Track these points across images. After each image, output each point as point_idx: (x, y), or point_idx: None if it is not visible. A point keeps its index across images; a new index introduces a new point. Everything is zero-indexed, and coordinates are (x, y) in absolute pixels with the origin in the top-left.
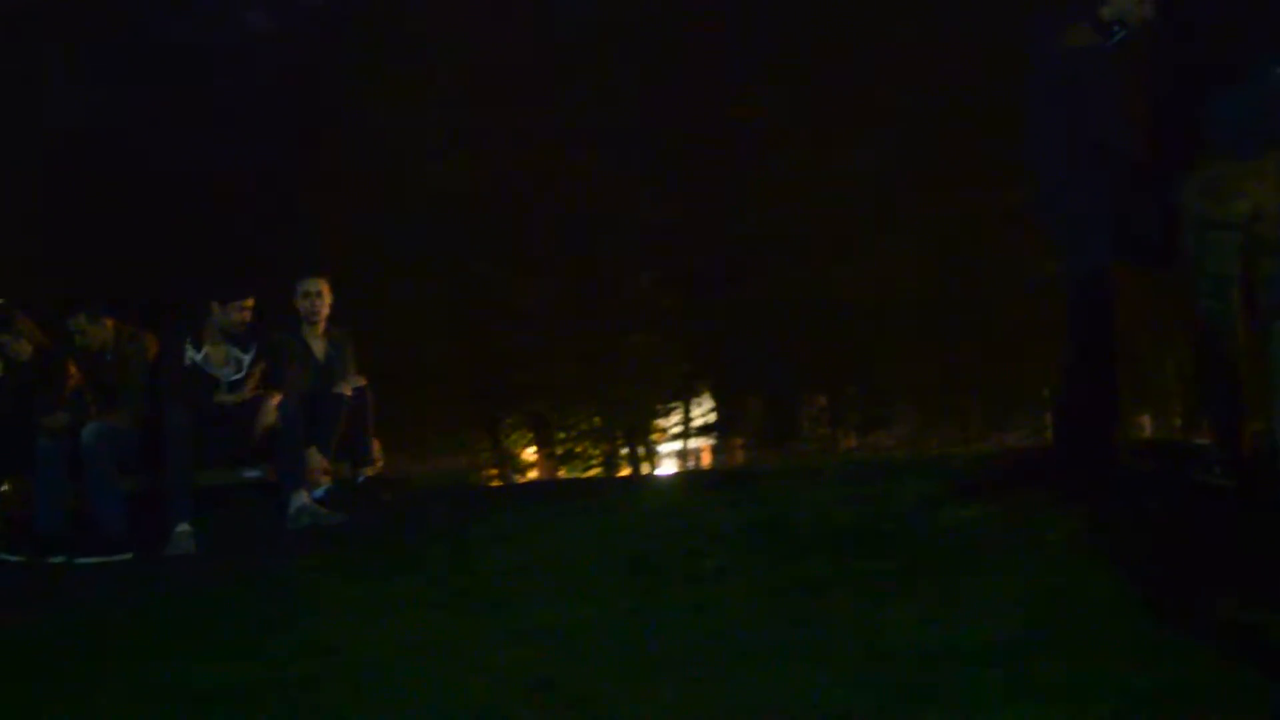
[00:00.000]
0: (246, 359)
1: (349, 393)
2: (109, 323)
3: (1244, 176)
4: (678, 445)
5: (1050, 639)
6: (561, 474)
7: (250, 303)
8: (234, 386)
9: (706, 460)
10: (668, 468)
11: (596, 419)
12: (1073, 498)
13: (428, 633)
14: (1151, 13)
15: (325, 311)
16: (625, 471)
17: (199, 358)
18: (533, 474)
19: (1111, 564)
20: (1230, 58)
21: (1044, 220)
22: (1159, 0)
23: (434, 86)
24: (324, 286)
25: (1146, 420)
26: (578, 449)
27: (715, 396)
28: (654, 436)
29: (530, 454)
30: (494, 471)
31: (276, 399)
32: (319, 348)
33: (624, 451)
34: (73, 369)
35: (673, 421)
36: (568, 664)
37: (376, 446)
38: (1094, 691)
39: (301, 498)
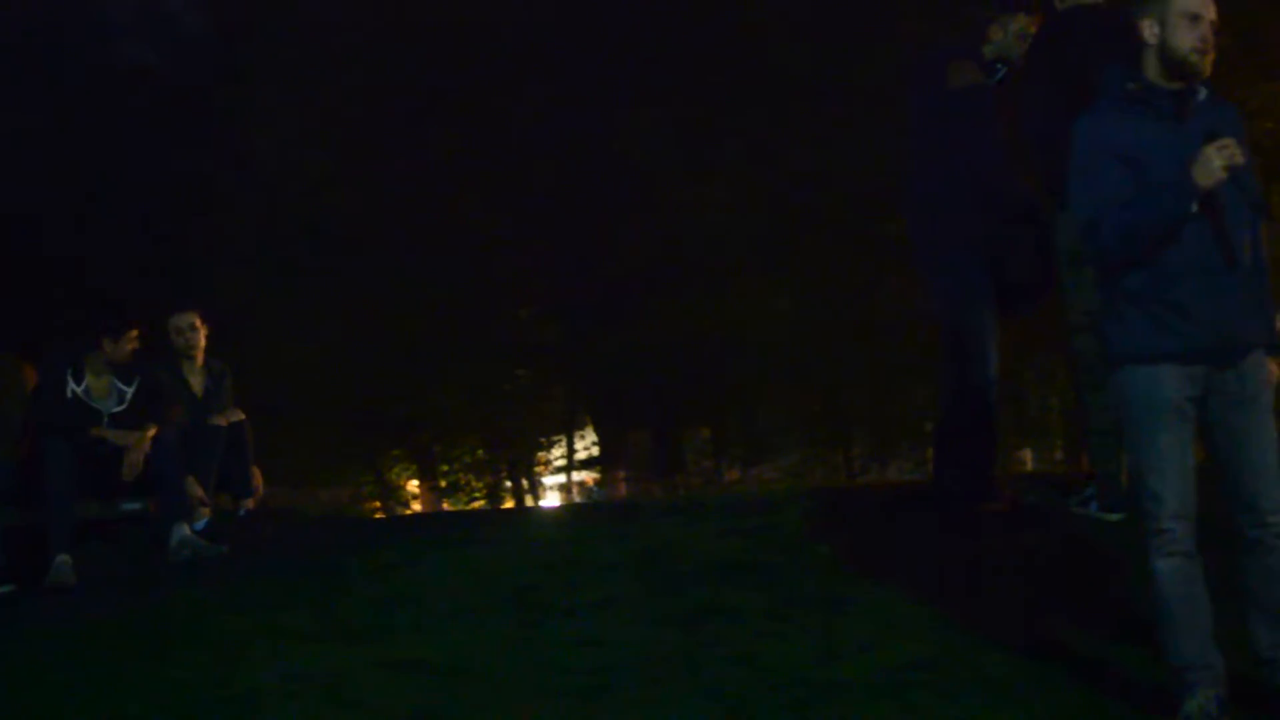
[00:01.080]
0: (129, 391)
1: (225, 425)
2: None
3: None
4: (561, 478)
5: (933, 672)
6: (445, 506)
7: (135, 333)
8: (116, 418)
9: (590, 492)
10: (551, 500)
11: (480, 451)
12: (953, 531)
13: (308, 665)
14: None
15: (201, 345)
16: (509, 504)
17: (79, 389)
18: (416, 506)
19: (991, 597)
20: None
21: (922, 254)
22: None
23: (312, 124)
24: (198, 320)
25: (1028, 454)
26: (461, 481)
27: (598, 429)
28: (538, 469)
29: (414, 486)
30: (377, 504)
31: (154, 432)
32: (196, 381)
33: (508, 484)
34: None
35: (556, 454)
36: (449, 696)
37: (257, 477)
38: None
39: (182, 530)
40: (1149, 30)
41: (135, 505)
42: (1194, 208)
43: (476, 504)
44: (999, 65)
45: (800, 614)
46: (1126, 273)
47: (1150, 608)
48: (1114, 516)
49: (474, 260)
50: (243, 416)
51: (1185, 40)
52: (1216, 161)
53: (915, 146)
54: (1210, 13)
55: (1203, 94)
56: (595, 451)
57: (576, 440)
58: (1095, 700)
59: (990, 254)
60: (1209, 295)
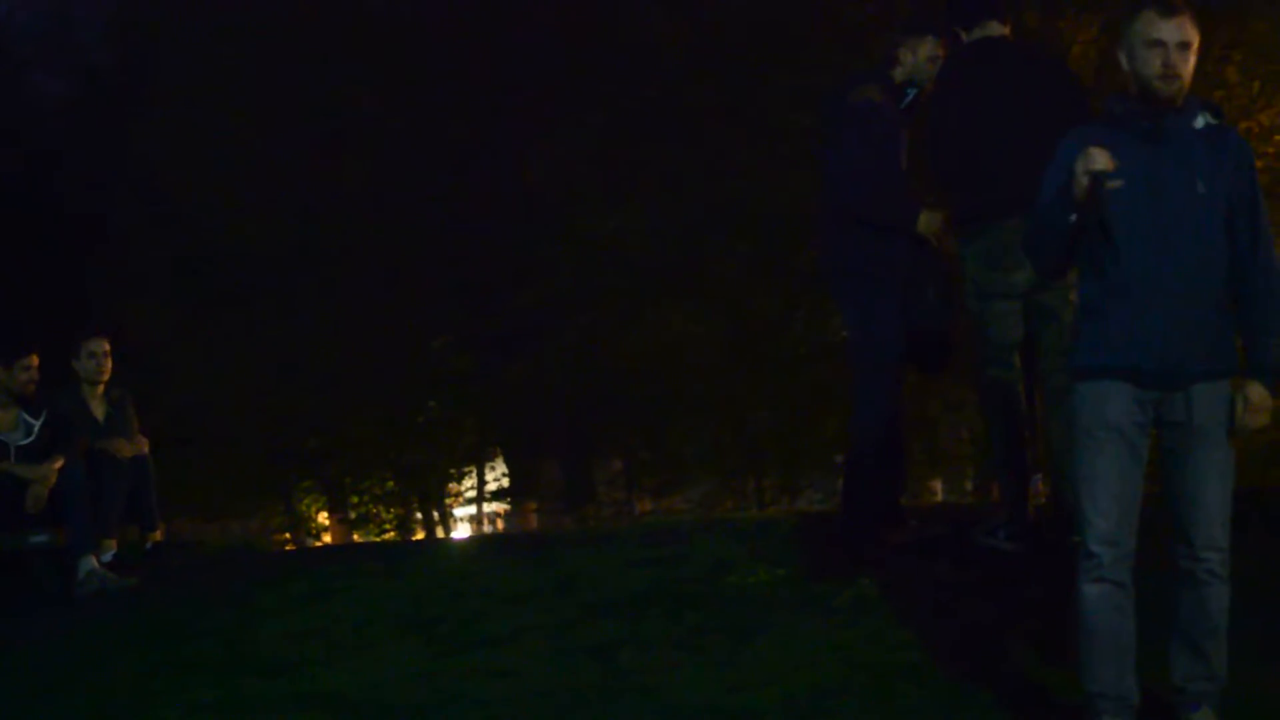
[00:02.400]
0: (37, 424)
1: (129, 455)
2: None
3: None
4: (472, 509)
5: (843, 700)
6: (356, 537)
7: (35, 360)
8: (22, 451)
9: (501, 524)
10: (462, 531)
11: (391, 483)
12: (861, 561)
13: (217, 698)
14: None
15: (108, 372)
16: (420, 535)
17: None
18: (327, 538)
19: (899, 626)
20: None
21: (833, 283)
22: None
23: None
24: (108, 347)
25: (938, 484)
26: (372, 512)
27: (509, 461)
28: (448, 501)
29: (324, 518)
30: (287, 535)
31: (60, 464)
32: (98, 408)
33: (418, 515)
34: None
35: (467, 486)
36: None
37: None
38: None
39: (90, 563)
40: (1123, 59)
41: (43, 537)
42: (1072, 219)
43: (387, 535)
44: (909, 89)
45: (711, 643)
46: (1088, 287)
47: (1068, 634)
48: (1021, 548)
49: (384, 291)
50: (146, 448)
51: (1149, 67)
52: (1079, 168)
53: (827, 170)
54: (1178, 36)
55: (1200, 121)
56: (506, 483)
57: (487, 471)
58: None
59: (903, 279)
60: (1158, 315)
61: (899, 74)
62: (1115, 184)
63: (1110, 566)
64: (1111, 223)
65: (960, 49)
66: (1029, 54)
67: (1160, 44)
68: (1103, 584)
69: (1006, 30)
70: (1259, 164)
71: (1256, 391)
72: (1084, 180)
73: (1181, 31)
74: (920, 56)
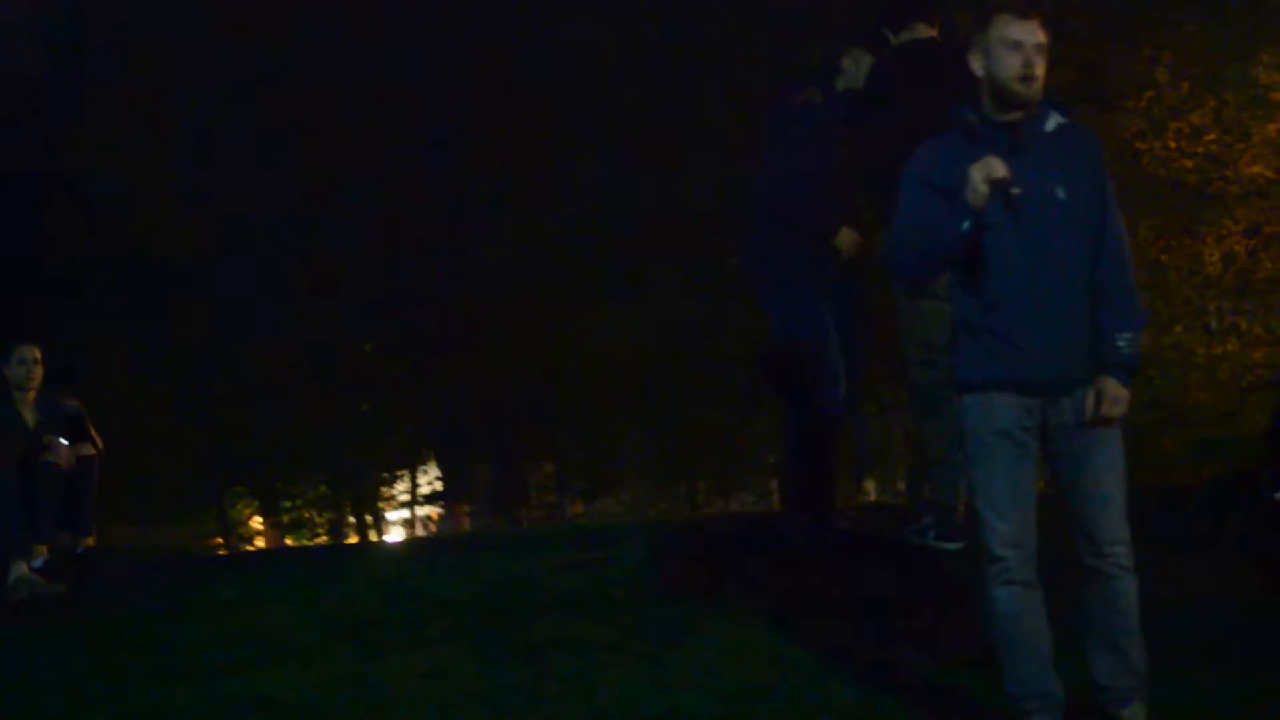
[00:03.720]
0: None
1: (66, 463)
2: None
3: None
4: (405, 513)
5: (774, 701)
6: (288, 542)
7: None
8: None
9: (434, 527)
10: (395, 535)
11: (323, 487)
12: (794, 561)
13: (149, 705)
14: None
15: (38, 379)
16: (352, 539)
17: None
18: (259, 542)
19: (833, 626)
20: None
21: (758, 286)
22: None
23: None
24: (38, 354)
25: (871, 484)
26: (304, 517)
27: (441, 464)
28: (381, 504)
29: (257, 522)
30: (220, 540)
31: None
32: (28, 415)
33: (351, 519)
34: None
35: (400, 489)
36: None
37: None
38: None
39: (20, 569)
40: (978, 63)
41: None
42: (965, 226)
43: (319, 540)
44: (849, 97)
45: (641, 645)
46: (963, 302)
47: (990, 635)
48: (951, 546)
49: (315, 295)
50: (93, 451)
51: (1007, 68)
52: (977, 176)
53: (761, 170)
54: (1034, 38)
55: (1052, 123)
56: (439, 486)
57: (420, 475)
58: None
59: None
60: (1036, 325)
61: (840, 82)
62: (1017, 190)
63: (1018, 568)
64: (981, 238)
65: (888, 51)
66: (957, 55)
67: (1018, 45)
68: (1012, 586)
69: (934, 32)
70: (1188, 164)
71: (1111, 386)
72: (983, 189)
73: (1038, 33)
74: (863, 67)
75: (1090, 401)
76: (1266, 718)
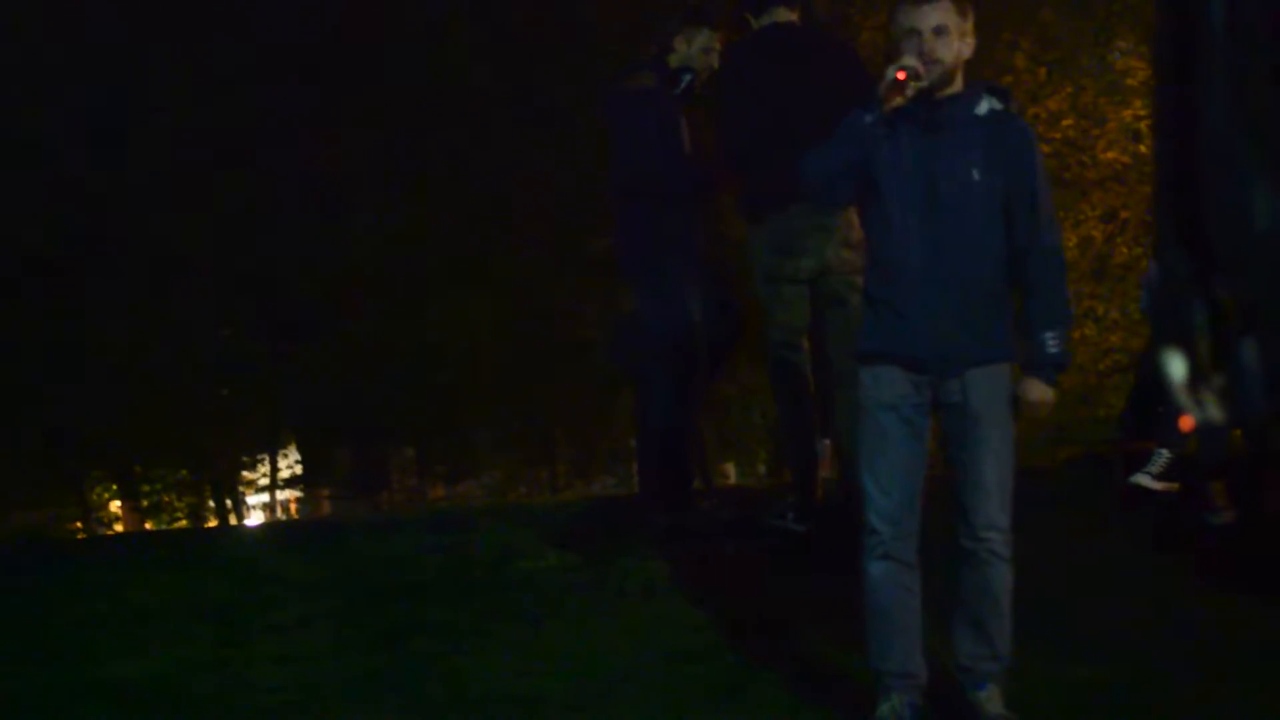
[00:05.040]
0: None
1: None
2: None
3: (810, 233)
4: (265, 497)
5: (635, 684)
6: (148, 526)
7: None
8: None
9: (294, 511)
10: (255, 519)
11: (183, 471)
12: (653, 545)
13: (7, 688)
14: (717, 63)
15: None
16: (212, 523)
17: None
18: (119, 527)
19: (690, 610)
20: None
21: (625, 264)
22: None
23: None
24: None
25: (731, 467)
26: (164, 501)
27: (302, 448)
28: (241, 489)
29: (116, 507)
30: (78, 525)
31: None
32: None
33: (211, 503)
34: None
35: (260, 473)
36: (145, 717)
37: None
38: None
39: None
40: (892, 50)
41: None
42: (868, 119)
43: (179, 524)
44: (683, 75)
45: (501, 629)
46: (869, 275)
47: (857, 615)
48: (810, 529)
49: (173, 277)
50: None
51: (906, 55)
52: (890, 72)
53: (612, 156)
54: (930, 21)
55: (984, 108)
56: (299, 470)
57: (280, 459)
58: (797, 706)
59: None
60: (931, 302)
61: (673, 60)
62: (918, 83)
63: (893, 544)
64: (889, 211)
65: (748, 35)
66: (816, 40)
67: (915, 32)
68: (887, 561)
69: (794, 17)
70: (1045, 149)
71: (1036, 387)
72: (898, 76)
73: (935, 16)
74: (694, 47)
75: (1021, 401)
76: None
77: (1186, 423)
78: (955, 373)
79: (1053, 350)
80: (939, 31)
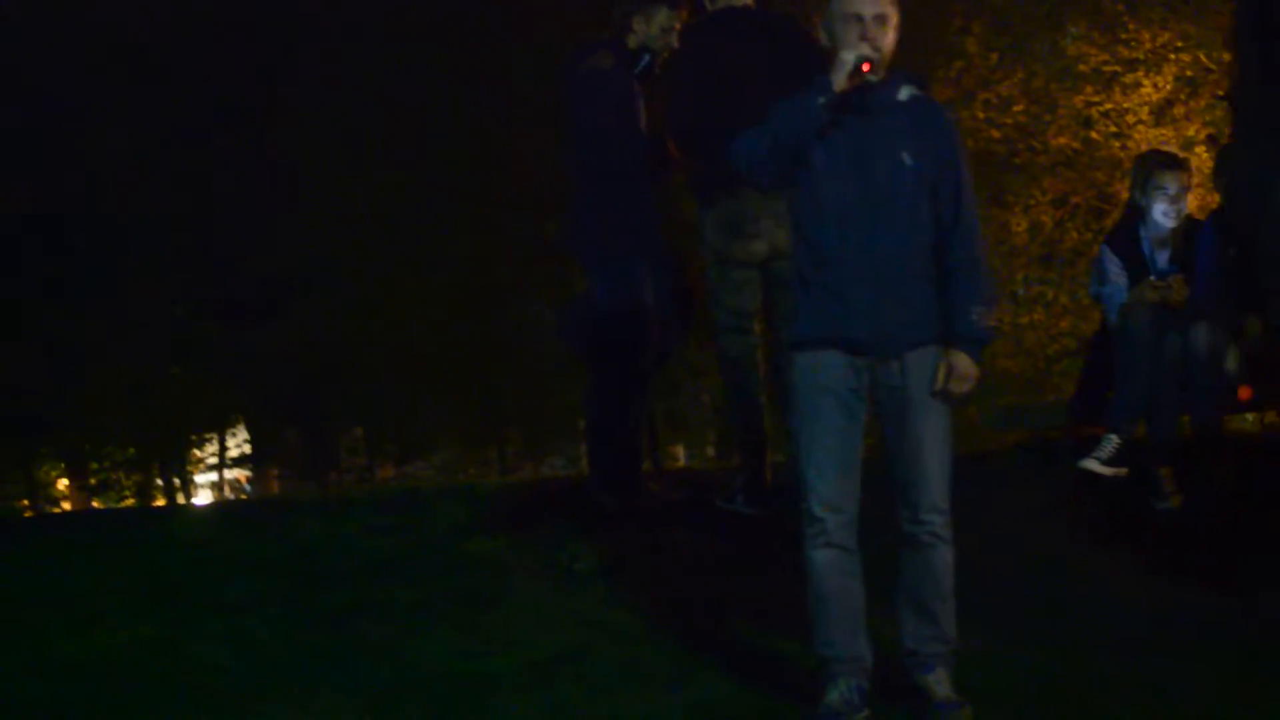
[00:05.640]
0: None
1: None
2: None
3: (760, 216)
4: (214, 475)
5: (581, 665)
6: (96, 504)
7: None
8: None
9: (243, 490)
10: (204, 498)
11: (132, 449)
12: (602, 527)
13: None
14: (677, 43)
15: None
16: (160, 502)
17: None
18: (66, 505)
19: (639, 591)
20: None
21: (580, 249)
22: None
23: None
24: None
25: (680, 450)
26: (112, 479)
27: (251, 427)
28: (190, 467)
29: (63, 485)
30: (25, 502)
31: None
32: None
33: (159, 482)
34: None
35: (209, 452)
36: (91, 696)
37: None
38: (623, 714)
39: None
40: (824, 35)
41: None
42: (821, 100)
43: (127, 502)
44: (643, 55)
45: (448, 609)
46: (802, 259)
47: (803, 598)
48: (758, 511)
49: (124, 255)
50: None
51: (847, 41)
52: (849, 57)
53: (570, 138)
54: (873, 9)
55: (904, 94)
56: (247, 449)
57: (229, 438)
58: (744, 689)
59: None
60: (870, 285)
61: (632, 41)
62: (869, 69)
63: (835, 531)
64: (824, 195)
65: (703, 17)
66: (770, 23)
67: (858, 18)
68: (829, 549)
69: (751, 1)
70: (996, 134)
71: (962, 361)
72: (850, 59)
73: (878, 5)
74: (653, 26)
75: (940, 375)
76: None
77: (1245, 391)
78: (894, 355)
79: (979, 325)
80: (880, 20)
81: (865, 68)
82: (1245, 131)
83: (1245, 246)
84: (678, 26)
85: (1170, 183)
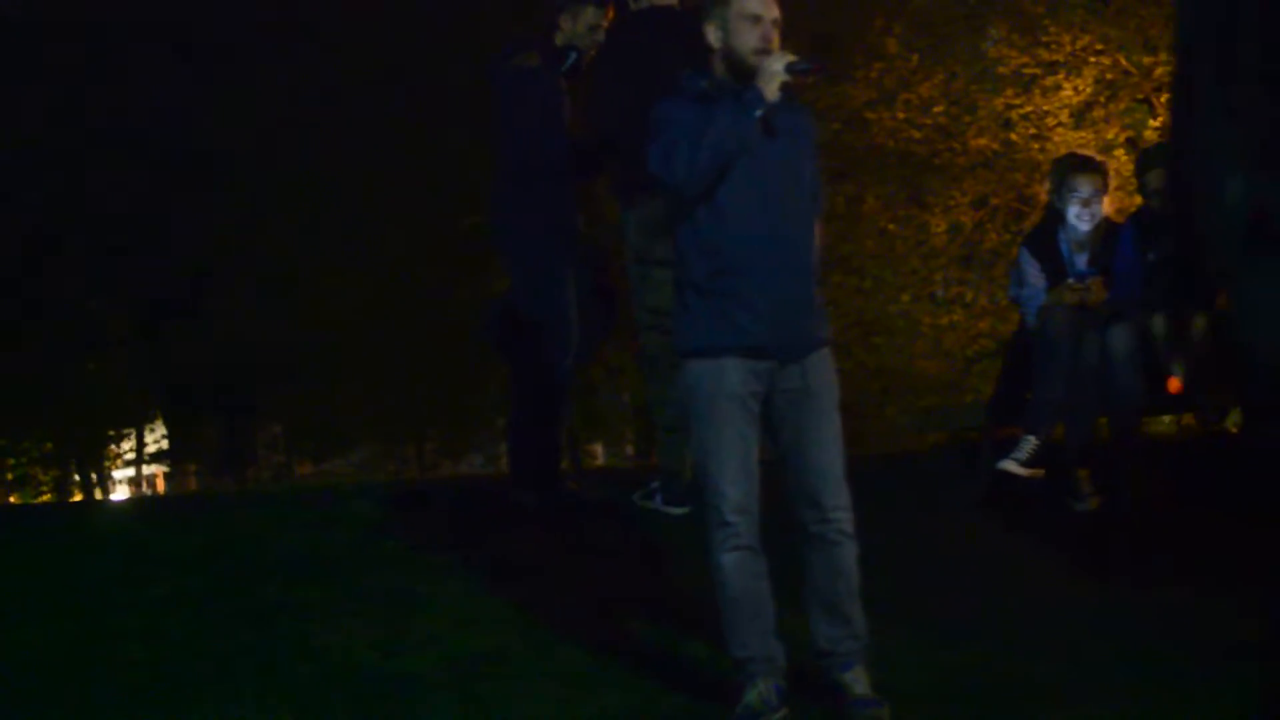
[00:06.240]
0: None
1: None
2: None
3: None
4: (131, 471)
5: (501, 665)
6: (12, 500)
7: None
8: None
9: (161, 486)
10: (121, 493)
11: (49, 444)
12: (522, 524)
13: None
14: (603, 40)
15: None
16: (78, 497)
17: None
18: None
19: (558, 590)
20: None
21: (503, 247)
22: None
23: None
24: None
25: (599, 448)
26: (29, 474)
27: (169, 423)
28: (107, 463)
29: None
30: None
31: None
32: None
33: (76, 477)
34: None
35: (126, 448)
36: (6, 695)
37: None
38: (542, 714)
39: None
40: (713, 34)
41: None
42: (757, 113)
43: (44, 498)
44: (569, 53)
45: (368, 608)
46: (695, 266)
47: (716, 600)
48: (678, 511)
49: (41, 251)
50: None
51: (746, 41)
52: (774, 65)
53: (496, 135)
54: (772, 12)
55: (780, 97)
56: (165, 445)
57: (147, 433)
58: (662, 691)
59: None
60: (773, 290)
61: (559, 38)
62: (805, 66)
63: (744, 533)
64: (725, 203)
65: (625, 16)
66: (692, 23)
67: (758, 20)
68: (739, 552)
69: (674, 1)
70: (916, 135)
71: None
72: (780, 73)
73: (775, 8)
74: (579, 25)
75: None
76: None
77: (1174, 384)
78: (797, 358)
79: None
80: (777, 23)
81: (816, 69)
82: (1195, 132)
83: (1189, 246)
84: (604, 24)
85: (1084, 185)
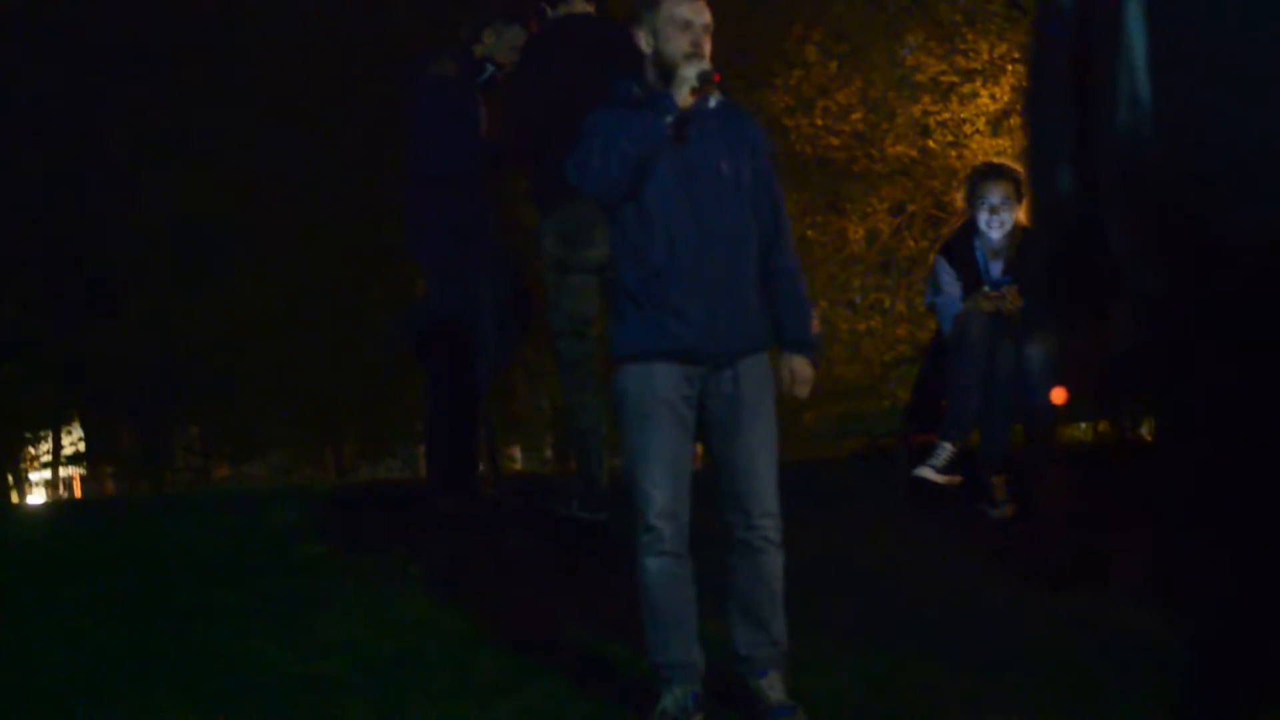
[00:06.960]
0: None
1: None
2: None
3: (597, 222)
4: (48, 474)
5: (417, 670)
6: None
7: None
8: None
9: (77, 489)
10: (38, 497)
11: None
12: (440, 528)
13: None
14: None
15: None
16: None
17: None
18: None
19: (475, 595)
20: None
21: (417, 248)
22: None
23: None
24: None
25: (517, 453)
26: None
27: (86, 425)
28: (24, 466)
29: None
30: None
31: None
32: None
33: None
34: None
35: (43, 450)
36: None
37: None
38: (458, 716)
39: None
40: (644, 40)
41: None
42: (669, 119)
43: None
44: (487, 65)
45: (283, 612)
46: (629, 273)
47: (637, 605)
48: (595, 516)
49: None
50: None
51: (677, 47)
52: (691, 73)
53: (408, 139)
54: (702, 18)
55: (713, 101)
56: (82, 447)
57: (64, 436)
58: (578, 694)
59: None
60: (703, 296)
61: (479, 50)
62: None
63: (670, 539)
64: (651, 209)
65: (543, 25)
66: (608, 30)
67: (688, 25)
68: (663, 557)
69: (591, 8)
70: (834, 142)
71: (802, 365)
72: (693, 75)
73: (705, 14)
74: (503, 42)
75: (785, 381)
76: None
77: (1059, 395)
78: (728, 363)
79: (813, 329)
80: (708, 28)
81: (715, 78)
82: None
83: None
84: (522, 44)
85: (994, 193)
